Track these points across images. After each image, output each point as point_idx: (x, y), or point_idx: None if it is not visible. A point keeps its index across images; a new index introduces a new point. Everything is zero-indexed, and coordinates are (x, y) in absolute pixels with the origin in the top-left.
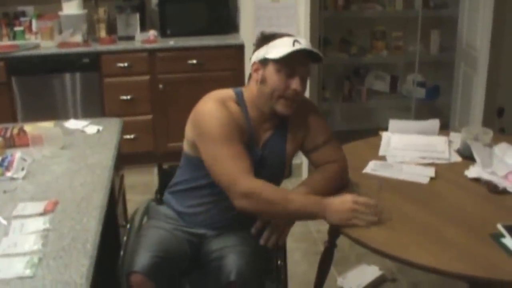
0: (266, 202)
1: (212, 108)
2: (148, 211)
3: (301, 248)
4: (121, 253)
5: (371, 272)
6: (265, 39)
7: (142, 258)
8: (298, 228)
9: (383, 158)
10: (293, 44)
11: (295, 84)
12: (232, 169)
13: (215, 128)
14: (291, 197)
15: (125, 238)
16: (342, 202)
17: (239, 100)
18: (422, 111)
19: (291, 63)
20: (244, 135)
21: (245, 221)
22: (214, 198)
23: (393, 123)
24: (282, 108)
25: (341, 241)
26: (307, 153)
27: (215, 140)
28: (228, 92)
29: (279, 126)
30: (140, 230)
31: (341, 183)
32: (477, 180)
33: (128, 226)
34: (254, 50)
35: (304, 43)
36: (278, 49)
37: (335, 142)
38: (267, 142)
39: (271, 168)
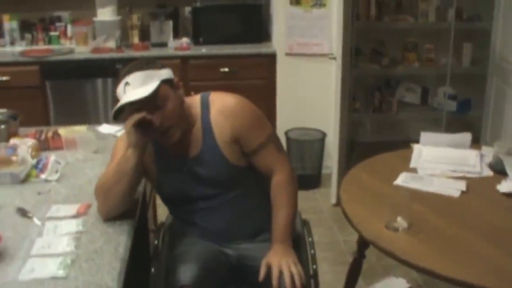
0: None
1: None
2: (173, 228)
3: (328, 258)
4: (152, 269)
5: (398, 284)
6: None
7: (189, 271)
8: (325, 238)
9: (414, 170)
10: (124, 91)
11: (152, 123)
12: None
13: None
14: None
15: (154, 254)
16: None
17: None
18: (452, 124)
19: (134, 108)
20: (148, 152)
21: (256, 225)
22: (203, 210)
23: (424, 136)
24: (166, 141)
25: (369, 252)
26: (248, 158)
27: None
28: None
29: (205, 137)
30: (171, 247)
31: (294, 189)
32: (509, 195)
33: (156, 242)
34: None
35: (132, 81)
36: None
37: (274, 144)
38: (202, 151)
39: (215, 174)
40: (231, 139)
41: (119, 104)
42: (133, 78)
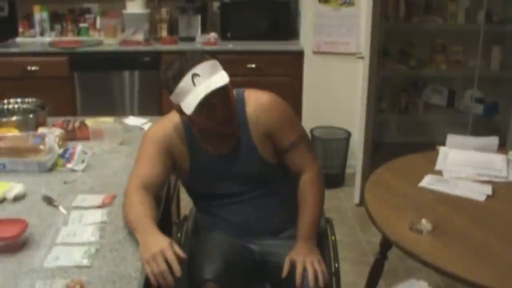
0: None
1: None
2: (196, 222)
3: (349, 258)
4: None
5: (419, 287)
6: (168, 80)
7: (213, 266)
8: (347, 238)
9: (439, 172)
10: (193, 83)
11: (218, 113)
12: (135, 169)
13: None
14: (131, 212)
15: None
16: (156, 242)
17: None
18: (479, 128)
19: (207, 99)
20: (179, 147)
21: (281, 222)
22: (231, 205)
23: (451, 138)
24: (223, 131)
25: (391, 253)
26: (279, 156)
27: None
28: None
29: (240, 133)
30: (195, 242)
31: (321, 189)
32: None
33: (179, 235)
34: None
35: (202, 72)
36: (185, 100)
37: (305, 143)
38: (237, 147)
39: (248, 169)
40: (264, 135)
41: (203, 94)
42: (201, 68)
